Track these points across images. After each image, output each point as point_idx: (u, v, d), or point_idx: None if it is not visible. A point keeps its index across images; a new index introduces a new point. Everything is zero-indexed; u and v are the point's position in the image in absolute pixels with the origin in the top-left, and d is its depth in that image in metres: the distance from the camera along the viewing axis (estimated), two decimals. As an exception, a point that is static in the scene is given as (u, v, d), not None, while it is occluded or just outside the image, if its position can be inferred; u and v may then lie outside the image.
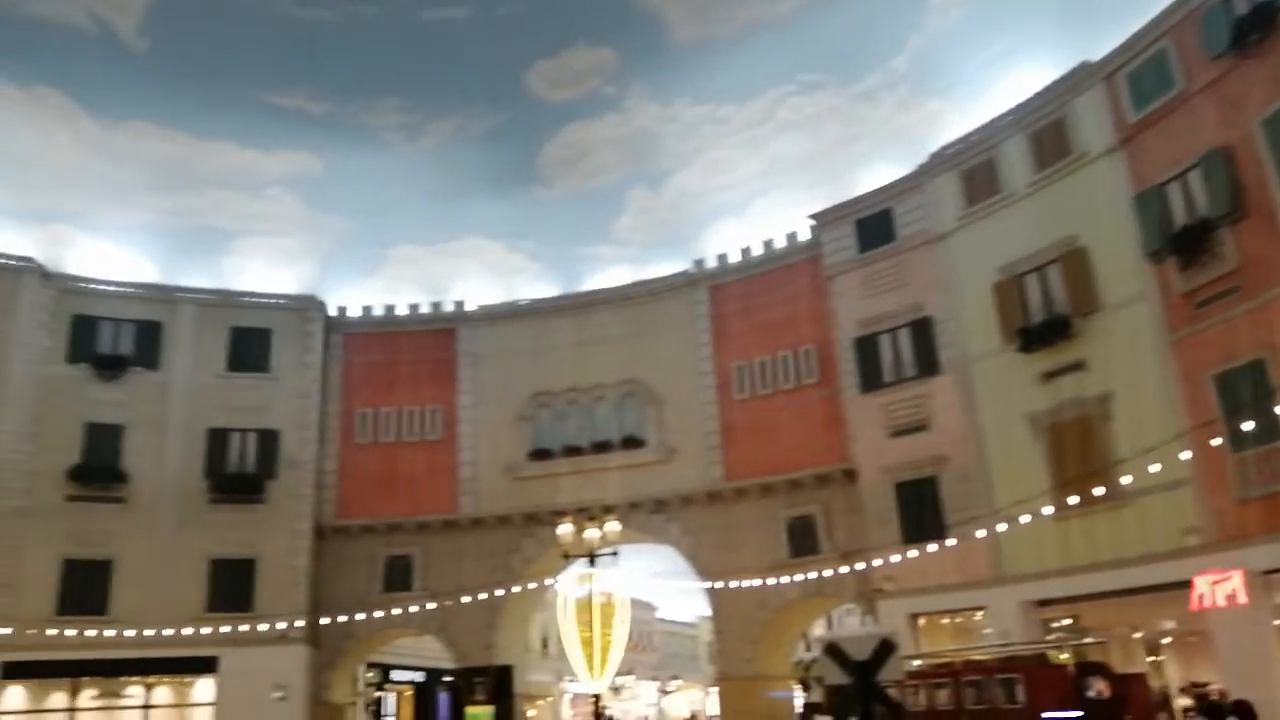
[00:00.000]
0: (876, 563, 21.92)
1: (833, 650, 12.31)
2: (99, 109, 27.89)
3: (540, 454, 27.99)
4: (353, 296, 30.45)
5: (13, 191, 27.66)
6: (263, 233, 30.76)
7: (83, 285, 27.18)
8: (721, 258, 28.06)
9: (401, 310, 30.14)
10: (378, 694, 30.90)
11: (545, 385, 28.54)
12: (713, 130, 29.25)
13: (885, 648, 12.00)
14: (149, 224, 29.42)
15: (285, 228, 30.94)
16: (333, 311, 29.82)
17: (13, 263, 26.22)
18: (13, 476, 24.67)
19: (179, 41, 27.48)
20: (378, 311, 30.12)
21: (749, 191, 29.48)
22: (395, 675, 31.67)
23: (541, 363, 28.72)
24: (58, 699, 24.23)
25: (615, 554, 19.58)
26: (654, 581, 32.98)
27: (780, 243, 27.21)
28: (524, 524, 27.32)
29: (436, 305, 30.26)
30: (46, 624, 23.55)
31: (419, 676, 32.72)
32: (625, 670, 33.72)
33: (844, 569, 23.00)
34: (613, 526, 20.25)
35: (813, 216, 26.09)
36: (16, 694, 23.76)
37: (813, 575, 23.41)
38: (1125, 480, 17.40)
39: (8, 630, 22.83)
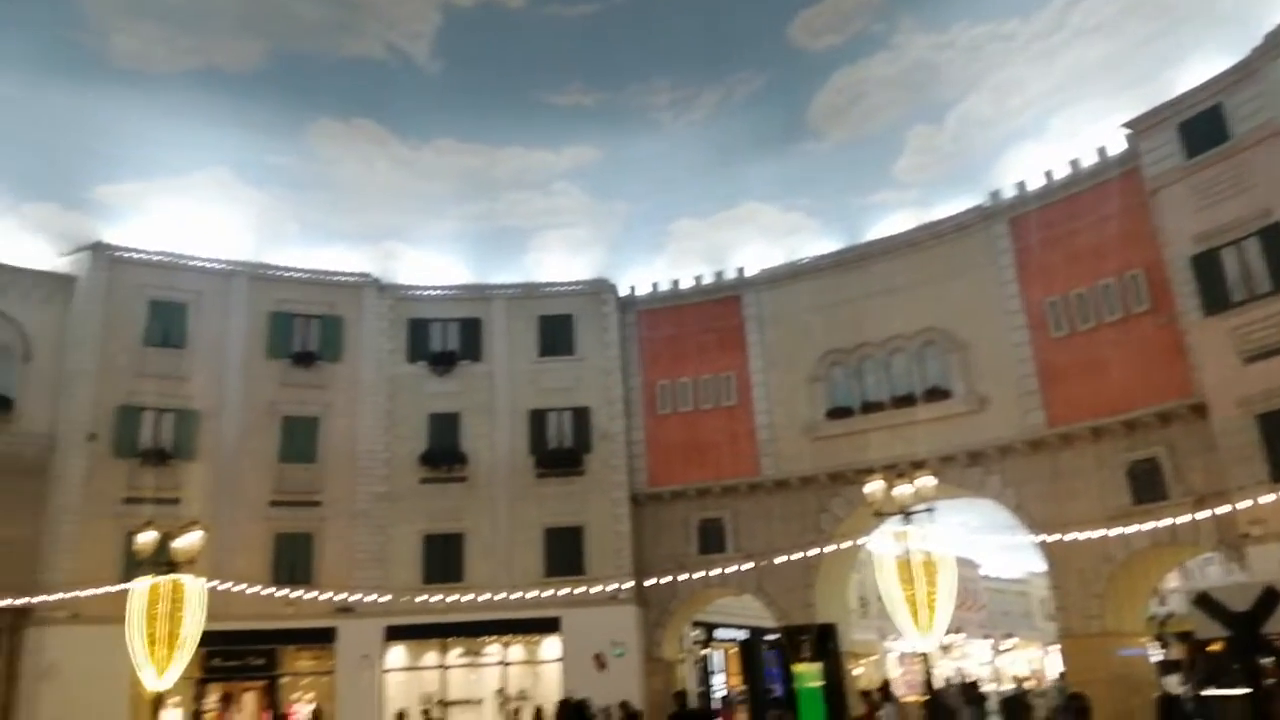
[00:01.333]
0: (1243, 504, 19.34)
1: (1205, 601, 11.05)
2: (407, 132, 30.92)
3: (839, 412, 27.55)
4: (641, 275, 31.59)
5: (346, 216, 31.45)
6: (555, 226, 32.70)
7: (412, 293, 30.39)
8: (1020, 186, 25.92)
9: (687, 283, 30.85)
10: (704, 651, 32.11)
11: (836, 343, 28.00)
12: (997, 49, 27.04)
13: (1270, 596, 10.59)
14: (459, 231, 32.26)
15: (574, 219, 32.69)
16: (624, 291, 31.13)
17: (355, 279, 29.88)
18: (375, 465, 28.24)
19: (465, 59, 29.78)
20: (665, 287, 31.04)
21: (1044, 109, 26.96)
22: (719, 633, 32.75)
23: (830, 320, 28.19)
24: (431, 657, 27.53)
25: (931, 510, 18.83)
26: (975, 537, 31.45)
27: (1088, 160, 24.64)
28: (829, 484, 27.06)
29: (719, 274, 30.65)
30: (416, 592, 26.80)
31: (742, 634, 33.61)
32: (954, 629, 32.50)
33: (1200, 514, 20.54)
34: (925, 482, 19.44)
35: (1126, 125, 23.34)
36: (398, 653, 27.27)
37: (1164, 523, 21.15)
38: None
39: (387, 597, 26.29)
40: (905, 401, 26.62)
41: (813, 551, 25.76)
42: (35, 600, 23.53)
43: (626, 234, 32.69)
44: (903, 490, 18.91)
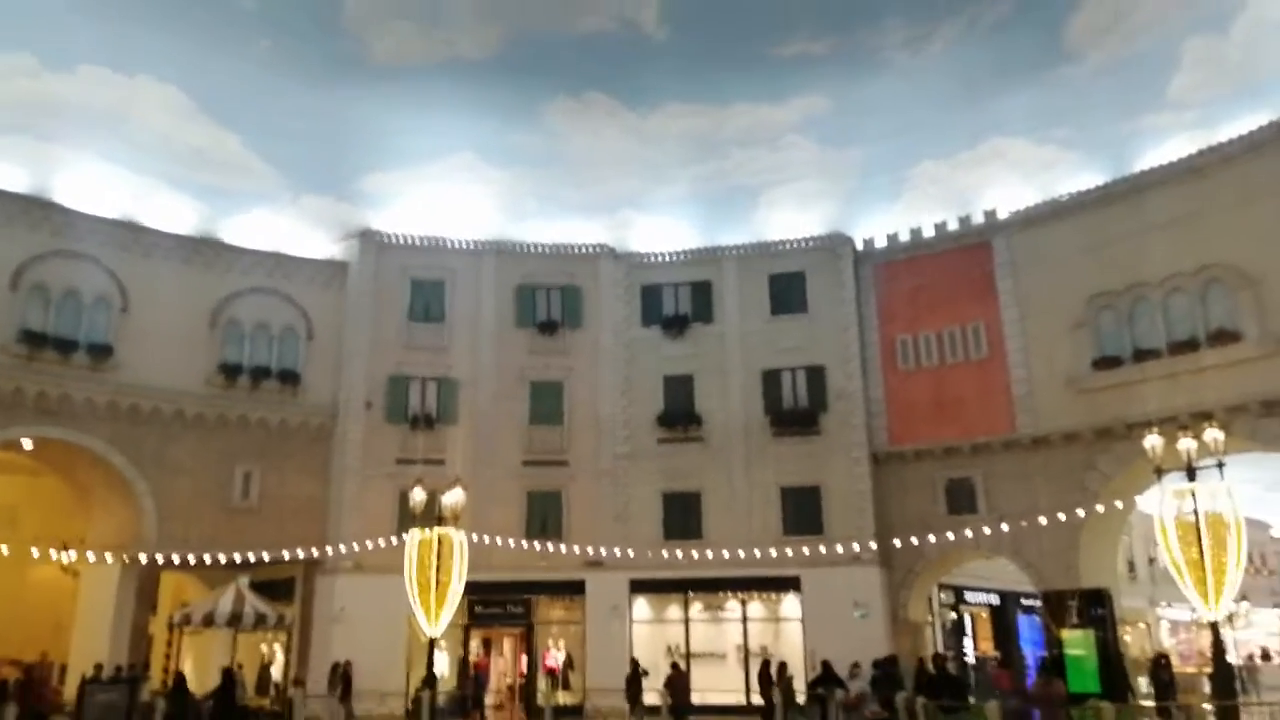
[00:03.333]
0: None
1: None
2: (635, 100, 31.31)
3: (1107, 362, 25.06)
4: (877, 225, 30.22)
5: (581, 189, 32.42)
6: (785, 181, 31.97)
7: (644, 259, 30.92)
8: (1326, 93, 22.24)
9: (928, 231, 29.16)
10: (953, 614, 30.70)
11: (1103, 285, 25.43)
12: (1292, -65, 23.25)
13: None
14: (688, 194, 32.35)
15: (804, 172, 31.80)
16: (860, 244, 29.96)
17: (592, 249, 30.88)
18: (616, 426, 29.13)
19: (691, 22, 29.63)
20: (904, 236, 29.50)
21: (1357, 1, 22.90)
22: (969, 597, 31.20)
23: (1095, 261, 25.62)
24: (673, 611, 28.11)
25: (1222, 465, 16.78)
26: (1268, 495, 27.74)
27: None
28: (1095, 440, 24.78)
29: (965, 219, 28.70)
30: (658, 547, 27.46)
31: (994, 599, 31.83)
32: (1238, 596, 28.98)
33: None
34: (1214, 435, 17.41)
35: None
36: (642, 605, 28.08)
37: None
38: None
39: (630, 552, 27.13)
40: (1186, 347, 23.75)
41: (1080, 512, 23.74)
42: (326, 552, 26.38)
43: (861, 183, 31.41)
44: (1187, 445, 17.15)
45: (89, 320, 25.24)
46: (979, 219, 28.42)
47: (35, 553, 23.63)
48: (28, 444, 24.53)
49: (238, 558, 24.96)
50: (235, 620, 21.37)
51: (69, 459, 25.60)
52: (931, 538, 25.75)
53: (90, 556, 24.93)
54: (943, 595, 29.89)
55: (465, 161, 31.26)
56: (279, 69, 28.53)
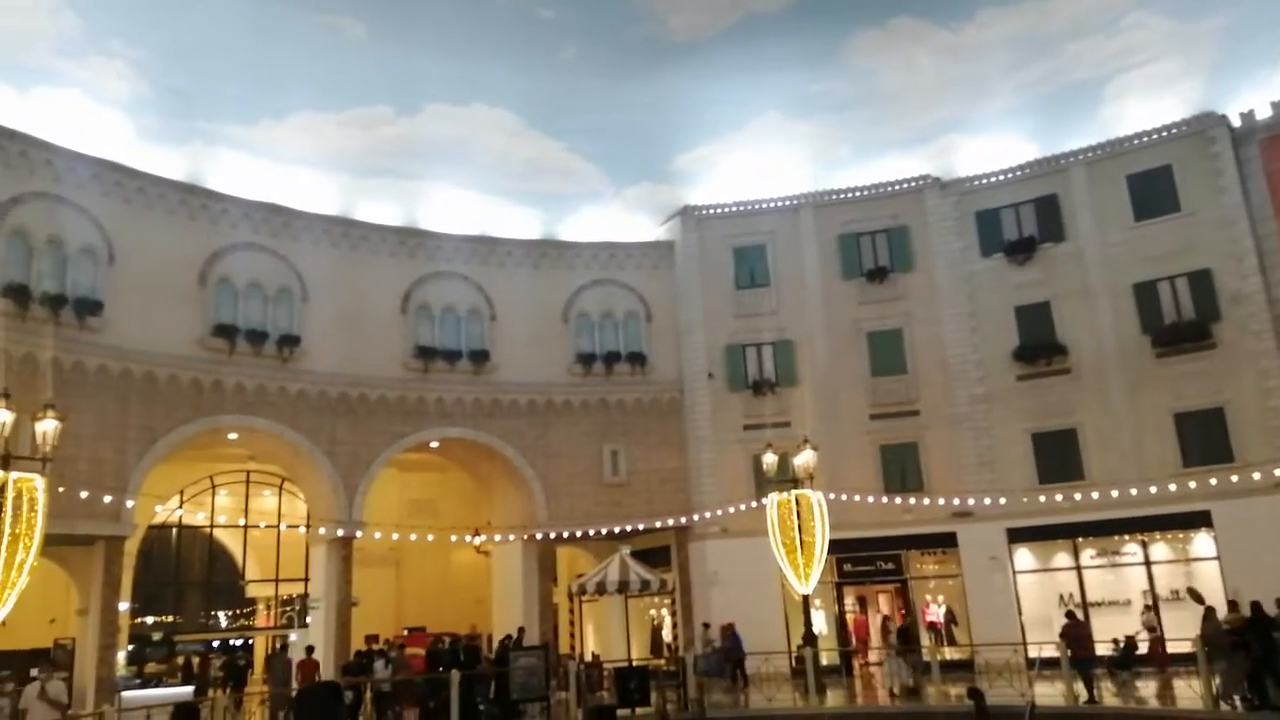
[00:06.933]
0: None
1: None
2: (944, 15, 28.98)
3: None
4: (1258, 98, 25.58)
5: (894, 124, 30.75)
6: (1132, 67, 28.12)
7: (975, 183, 28.74)
8: None
9: (1331, 89, 24.19)
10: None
11: None
12: None
13: None
14: (1017, 105, 29.51)
15: (1156, 53, 27.74)
16: (1236, 122, 25.54)
17: (914, 184, 29.31)
18: (967, 368, 27.47)
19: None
20: (1300, 102, 24.73)
21: None
22: None
23: None
24: (1061, 559, 25.98)
25: None
26: None
27: None
28: None
29: (1382, 65, 23.45)
30: (1033, 493, 25.50)
31: None
32: None
33: None
34: None
35: None
36: (1024, 555, 26.29)
37: None
38: None
39: (1003, 500, 25.51)
40: None
41: None
42: (692, 519, 27.72)
43: (1230, 53, 26.74)
44: None
45: (466, 331, 28.43)
46: (1403, 61, 23.08)
47: (454, 538, 27.18)
48: (434, 444, 28.21)
49: (615, 529, 27.00)
50: (623, 587, 23.04)
51: (470, 454, 29.11)
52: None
53: (497, 538, 28.25)
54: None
55: (770, 121, 30.97)
56: (585, 70, 30.07)
